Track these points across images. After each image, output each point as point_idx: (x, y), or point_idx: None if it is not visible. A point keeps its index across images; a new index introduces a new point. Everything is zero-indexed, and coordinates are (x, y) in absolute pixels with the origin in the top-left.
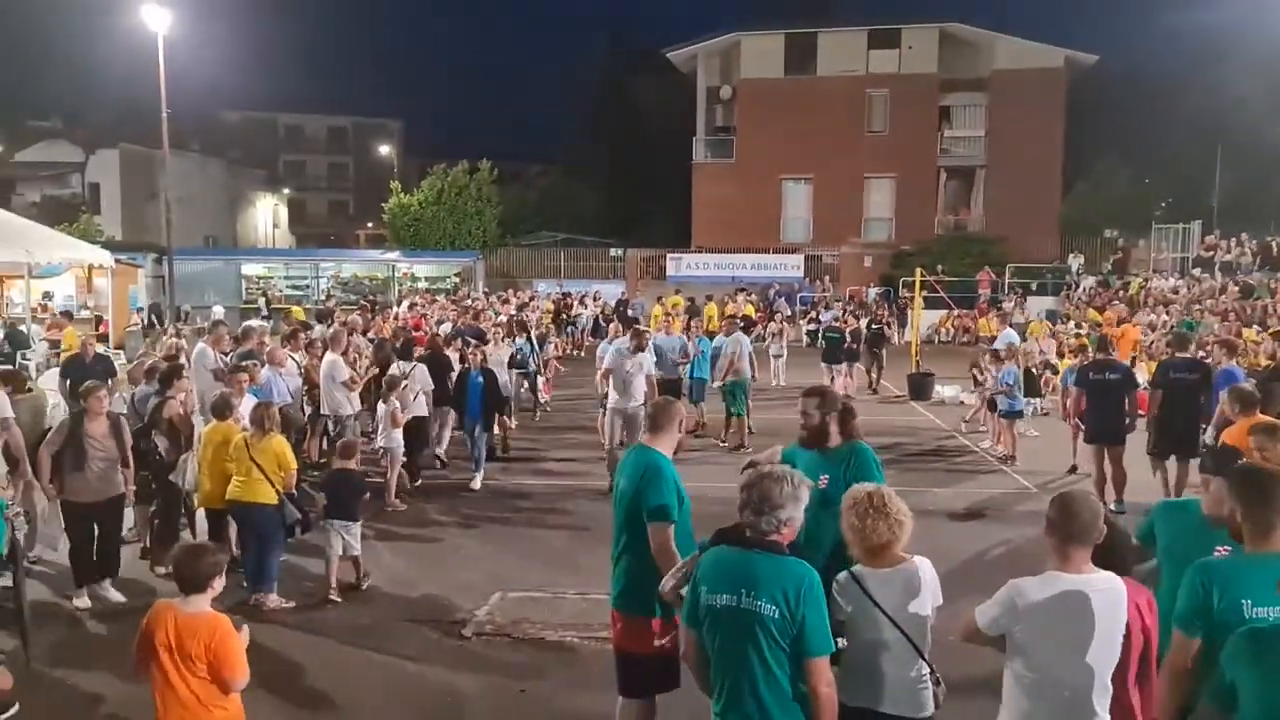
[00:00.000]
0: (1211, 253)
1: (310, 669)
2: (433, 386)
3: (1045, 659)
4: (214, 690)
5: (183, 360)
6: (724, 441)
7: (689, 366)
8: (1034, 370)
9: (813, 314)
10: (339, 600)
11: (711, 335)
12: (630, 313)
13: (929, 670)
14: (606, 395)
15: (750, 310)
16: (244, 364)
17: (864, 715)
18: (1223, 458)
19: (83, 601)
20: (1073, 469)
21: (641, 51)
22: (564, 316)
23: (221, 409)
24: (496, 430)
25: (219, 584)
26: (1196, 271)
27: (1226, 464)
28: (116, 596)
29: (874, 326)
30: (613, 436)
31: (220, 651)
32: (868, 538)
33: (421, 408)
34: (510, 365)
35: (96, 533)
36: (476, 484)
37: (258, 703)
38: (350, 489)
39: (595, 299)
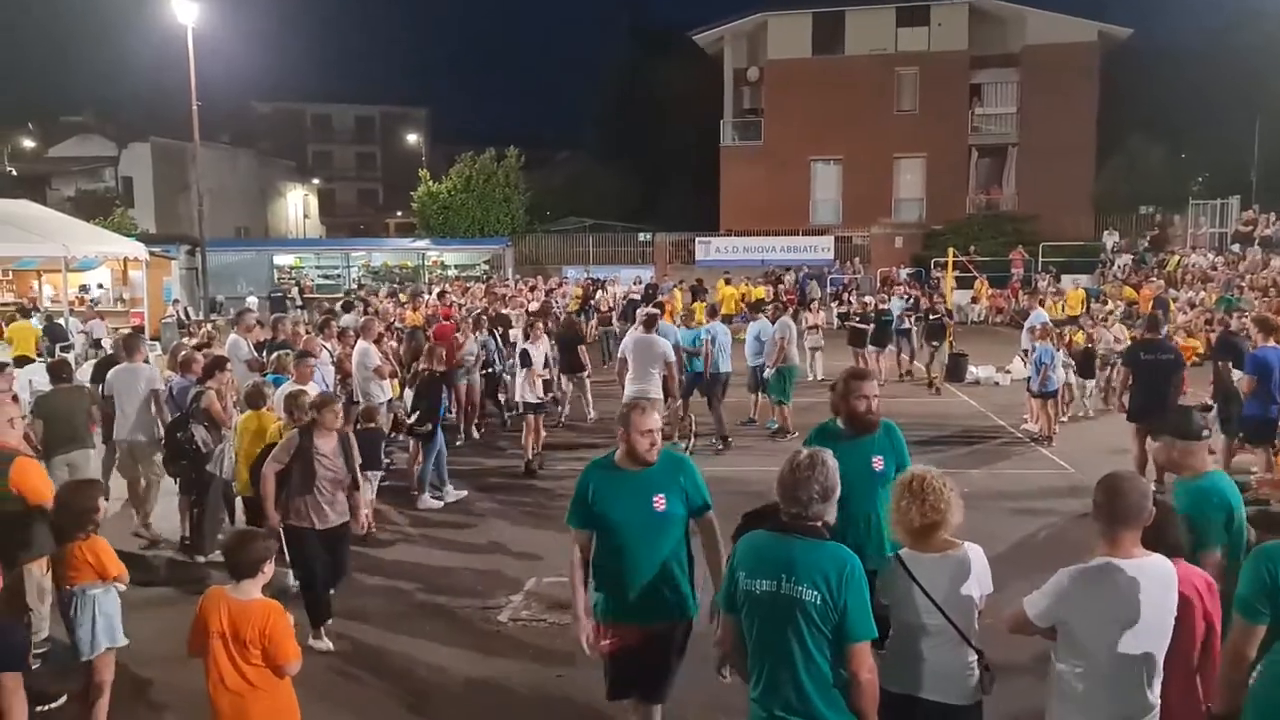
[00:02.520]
0: (1250, 227)
1: (347, 654)
2: (559, 357)
3: (1096, 645)
4: (266, 675)
5: (218, 351)
6: (754, 420)
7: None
8: (1093, 351)
9: (846, 296)
10: (375, 533)
11: (728, 319)
12: (661, 298)
13: (976, 657)
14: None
15: (759, 292)
16: (307, 355)
17: (909, 701)
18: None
19: (323, 644)
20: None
21: (668, 34)
22: (590, 303)
23: (255, 398)
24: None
25: (269, 569)
26: (1235, 247)
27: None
28: (326, 644)
29: (931, 317)
30: None
31: (274, 636)
32: (912, 521)
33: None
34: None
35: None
36: (429, 502)
37: (296, 688)
38: (374, 444)
39: (638, 282)
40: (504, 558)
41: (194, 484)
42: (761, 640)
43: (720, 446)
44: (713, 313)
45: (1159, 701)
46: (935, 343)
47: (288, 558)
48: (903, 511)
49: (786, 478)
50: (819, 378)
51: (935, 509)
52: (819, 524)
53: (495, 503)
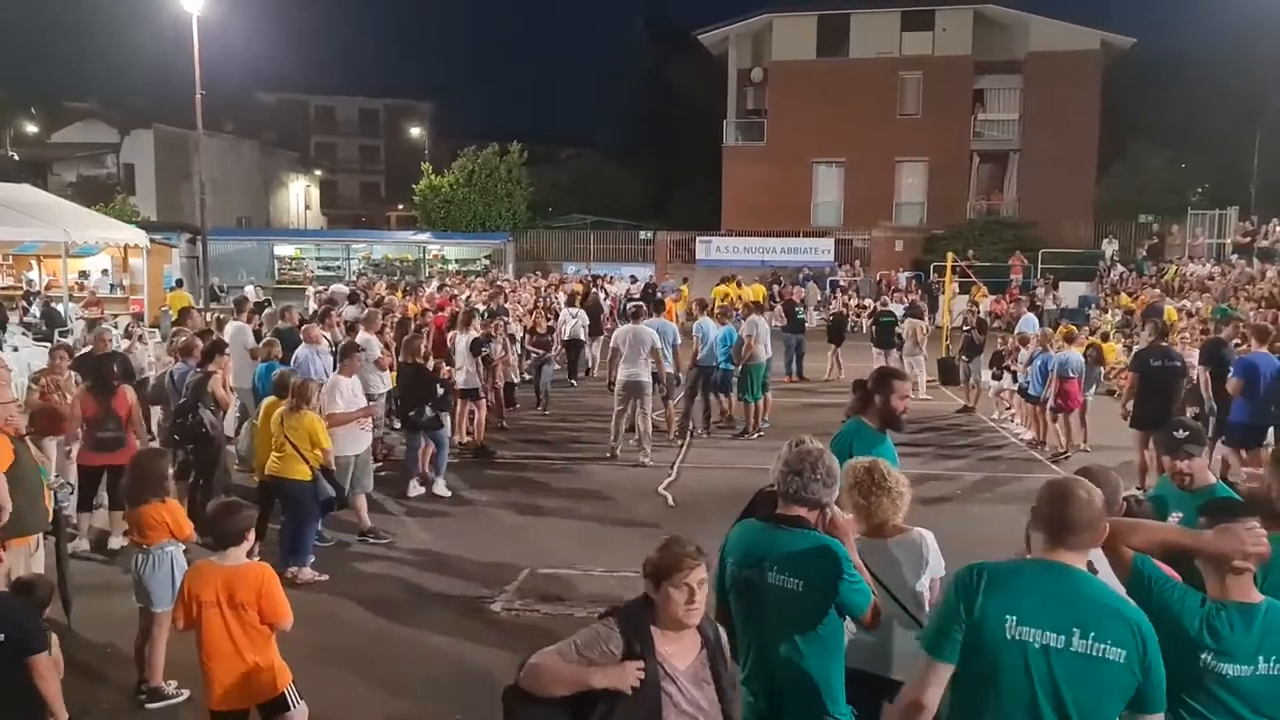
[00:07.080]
0: (1249, 238)
1: (342, 642)
2: (588, 322)
3: None
4: (258, 636)
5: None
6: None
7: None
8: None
9: (843, 299)
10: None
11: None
12: (659, 295)
13: None
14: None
15: (759, 292)
16: (355, 349)
17: (875, 681)
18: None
19: None
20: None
21: (674, 33)
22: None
23: (282, 388)
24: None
25: (252, 536)
26: (1234, 257)
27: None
28: None
29: (965, 329)
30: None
31: (270, 595)
32: (874, 510)
33: (580, 335)
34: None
35: None
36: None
37: (290, 672)
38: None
39: (634, 281)
40: (498, 548)
41: (199, 465)
42: (746, 624)
43: (699, 432)
44: (701, 307)
45: None
46: (965, 357)
47: None
48: (874, 504)
49: (806, 468)
50: (922, 395)
51: (900, 495)
52: (809, 514)
53: (489, 492)
